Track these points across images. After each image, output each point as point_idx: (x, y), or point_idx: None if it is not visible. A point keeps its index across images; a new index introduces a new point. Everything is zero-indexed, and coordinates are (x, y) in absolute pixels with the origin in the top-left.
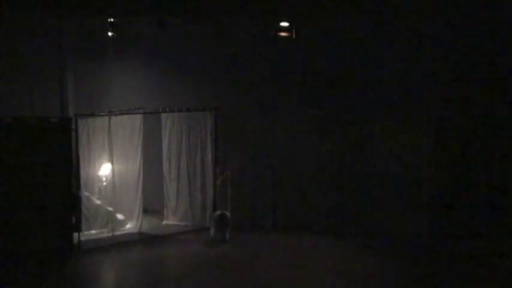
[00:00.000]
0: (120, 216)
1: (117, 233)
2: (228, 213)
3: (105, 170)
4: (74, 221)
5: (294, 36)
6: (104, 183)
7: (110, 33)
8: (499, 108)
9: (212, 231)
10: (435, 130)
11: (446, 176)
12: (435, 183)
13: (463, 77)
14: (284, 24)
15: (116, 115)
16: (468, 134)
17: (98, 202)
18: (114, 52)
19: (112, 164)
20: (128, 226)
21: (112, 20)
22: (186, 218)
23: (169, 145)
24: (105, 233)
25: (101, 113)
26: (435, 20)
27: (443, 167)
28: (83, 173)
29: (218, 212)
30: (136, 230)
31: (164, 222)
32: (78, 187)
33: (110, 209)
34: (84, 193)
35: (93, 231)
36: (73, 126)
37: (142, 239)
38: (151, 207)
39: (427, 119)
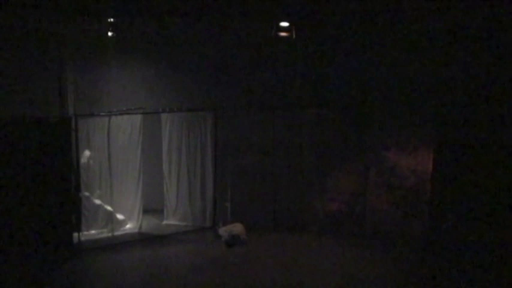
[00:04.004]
0: (120, 216)
1: (117, 233)
2: (238, 235)
3: (84, 157)
4: (74, 221)
5: (293, 36)
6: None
7: (109, 33)
8: (502, 107)
9: (222, 233)
10: (437, 129)
11: (447, 176)
12: (436, 183)
13: (465, 76)
14: (284, 24)
15: (116, 115)
16: (470, 133)
17: (98, 202)
18: (114, 52)
19: (90, 151)
20: (127, 226)
21: (112, 20)
22: (186, 218)
23: (169, 145)
24: (105, 233)
25: (101, 113)
26: (436, 18)
27: (445, 167)
28: (82, 173)
29: (229, 234)
30: (136, 230)
31: (164, 222)
32: (78, 187)
33: (110, 209)
34: (84, 193)
35: (93, 231)
36: (73, 126)
37: (142, 239)
38: (151, 207)
39: (428, 118)
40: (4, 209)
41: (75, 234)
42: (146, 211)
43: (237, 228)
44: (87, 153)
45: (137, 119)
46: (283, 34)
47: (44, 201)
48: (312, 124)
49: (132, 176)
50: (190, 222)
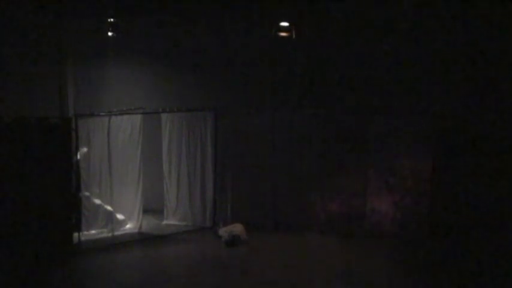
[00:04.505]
0: (120, 216)
1: (117, 233)
2: (239, 235)
3: (80, 154)
4: (74, 221)
5: (294, 36)
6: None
7: (109, 33)
8: (502, 107)
9: (223, 233)
10: (437, 129)
11: (446, 175)
12: (436, 184)
13: (464, 75)
14: (284, 24)
15: (116, 115)
16: (469, 133)
17: (98, 202)
18: (114, 52)
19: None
20: (127, 226)
21: (112, 20)
22: (186, 218)
23: (169, 145)
24: (105, 233)
25: (101, 113)
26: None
27: (444, 166)
28: (83, 173)
29: (229, 235)
30: (136, 230)
31: (164, 222)
32: (78, 187)
33: (110, 209)
34: (84, 193)
35: (93, 231)
36: (73, 126)
37: (142, 239)
38: (151, 207)
39: (427, 117)
40: (4, 209)
41: (75, 234)
42: (146, 211)
43: (237, 228)
44: (84, 149)
45: (137, 119)
46: (283, 34)
47: (44, 201)
48: (312, 124)
49: (132, 176)
50: (190, 222)
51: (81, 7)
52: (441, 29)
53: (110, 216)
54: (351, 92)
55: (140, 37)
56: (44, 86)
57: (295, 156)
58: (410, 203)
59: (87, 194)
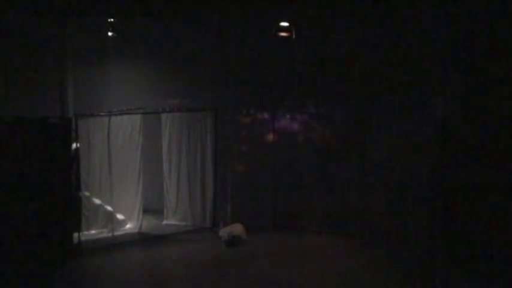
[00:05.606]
0: (120, 216)
1: (117, 233)
2: (239, 236)
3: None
4: (74, 221)
5: (294, 36)
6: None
7: (109, 33)
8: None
9: (223, 234)
10: (437, 127)
11: (447, 175)
12: (436, 182)
13: (466, 73)
14: (284, 24)
15: (116, 115)
16: (471, 133)
17: (98, 202)
18: (114, 52)
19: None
20: (127, 226)
21: (112, 20)
22: (186, 218)
23: (169, 145)
24: (105, 233)
25: (101, 113)
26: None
27: (445, 166)
28: (83, 173)
29: (229, 235)
30: (136, 230)
31: (164, 222)
32: (78, 187)
33: (110, 209)
34: (84, 193)
35: (93, 231)
36: (73, 126)
37: (142, 239)
38: (151, 207)
39: (429, 116)
40: (4, 209)
41: (75, 234)
42: (146, 211)
43: (237, 228)
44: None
45: (137, 119)
46: (283, 34)
47: (44, 201)
48: (312, 124)
49: (132, 176)
50: (190, 222)
51: (81, 7)
52: (441, 28)
53: (110, 216)
54: (351, 91)
55: (140, 37)
56: (44, 86)
57: (295, 157)
58: (410, 203)
59: (87, 194)
